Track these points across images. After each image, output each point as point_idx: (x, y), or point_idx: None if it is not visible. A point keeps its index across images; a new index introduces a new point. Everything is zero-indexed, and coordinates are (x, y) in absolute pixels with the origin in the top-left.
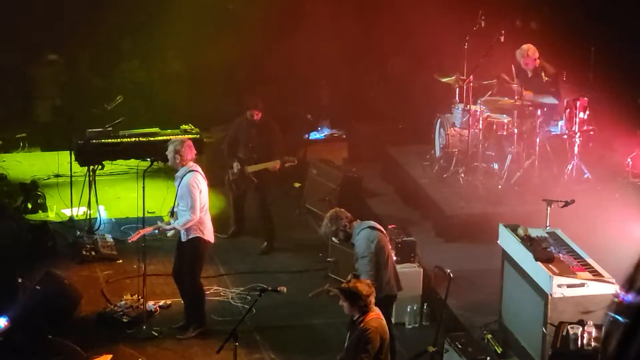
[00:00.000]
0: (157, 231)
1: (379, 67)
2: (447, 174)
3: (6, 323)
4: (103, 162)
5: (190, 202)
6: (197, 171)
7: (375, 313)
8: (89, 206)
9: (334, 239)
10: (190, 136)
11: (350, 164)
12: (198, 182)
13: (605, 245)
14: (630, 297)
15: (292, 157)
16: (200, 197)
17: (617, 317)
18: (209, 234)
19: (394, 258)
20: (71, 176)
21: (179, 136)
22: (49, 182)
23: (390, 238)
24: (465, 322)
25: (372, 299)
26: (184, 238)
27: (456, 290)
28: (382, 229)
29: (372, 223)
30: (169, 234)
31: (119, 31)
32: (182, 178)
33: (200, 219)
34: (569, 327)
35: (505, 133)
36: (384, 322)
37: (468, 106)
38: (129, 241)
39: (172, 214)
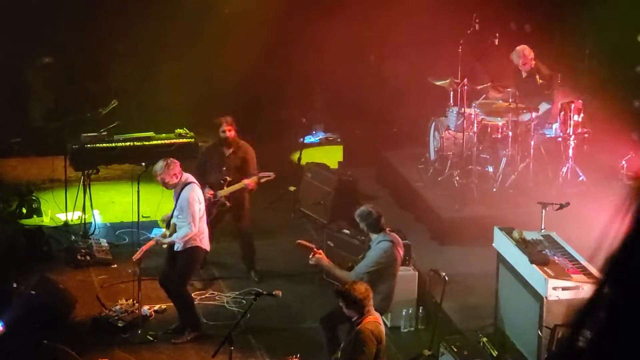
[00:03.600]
0: (156, 244)
1: (374, 70)
2: (442, 177)
3: (1, 328)
4: (98, 167)
5: (190, 215)
6: (193, 182)
7: (374, 317)
8: (83, 211)
9: (329, 242)
10: (185, 140)
11: (345, 168)
12: (197, 194)
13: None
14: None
15: (268, 172)
16: (199, 209)
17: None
18: (206, 242)
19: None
20: (66, 181)
21: (158, 163)
22: (43, 186)
23: None
24: (460, 326)
25: (369, 302)
26: (180, 247)
27: (451, 294)
28: (400, 249)
29: (392, 237)
30: (165, 245)
31: (114, 35)
32: (181, 191)
33: (199, 229)
34: (564, 330)
35: (499, 136)
36: (382, 326)
37: (462, 109)
38: (134, 259)
39: (169, 225)
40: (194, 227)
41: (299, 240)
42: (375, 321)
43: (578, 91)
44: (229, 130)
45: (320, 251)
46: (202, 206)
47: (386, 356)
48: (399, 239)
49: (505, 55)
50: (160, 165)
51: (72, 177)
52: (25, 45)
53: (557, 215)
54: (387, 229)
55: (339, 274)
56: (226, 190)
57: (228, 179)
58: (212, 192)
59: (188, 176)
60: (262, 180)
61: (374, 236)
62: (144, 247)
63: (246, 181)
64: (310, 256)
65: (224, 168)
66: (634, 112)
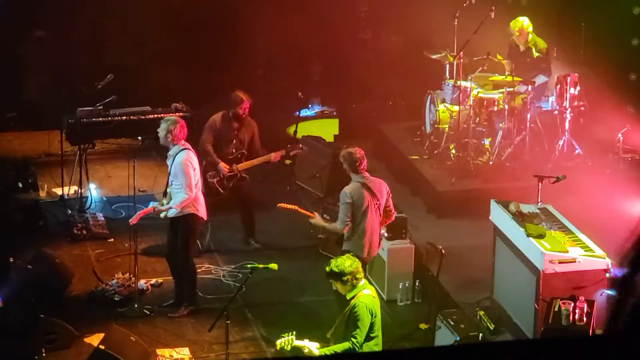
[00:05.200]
0: (153, 212)
1: (370, 43)
2: (438, 151)
3: None
4: (94, 141)
5: (185, 180)
6: (189, 149)
7: (368, 289)
8: (80, 185)
9: (325, 215)
10: (181, 114)
11: (341, 141)
12: (191, 160)
13: (597, 221)
14: (619, 271)
15: (296, 145)
16: (194, 175)
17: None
18: (202, 211)
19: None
20: (62, 155)
21: (172, 115)
22: (40, 161)
23: None
24: (457, 299)
25: (358, 275)
26: (175, 214)
27: (448, 267)
28: (375, 188)
29: (366, 179)
30: (163, 215)
31: (108, 8)
32: (175, 157)
33: (194, 196)
34: (560, 302)
35: (495, 109)
36: (376, 299)
37: (458, 82)
38: (130, 223)
39: (165, 194)
40: (190, 192)
41: (280, 204)
42: (370, 294)
43: (574, 64)
44: (247, 109)
45: (315, 213)
46: (197, 173)
47: (381, 329)
48: (377, 182)
49: (502, 28)
50: (171, 119)
51: (68, 152)
52: (17, 19)
53: (554, 188)
54: (365, 171)
55: (329, 226)
56: (246, 164)
57: (245, 152)
58: (227, 166)
59: (185, 143)
60: (292, 153)
61: (352, 176)
62: (141, 213)
63: (270, 158)
64: (310, 219)
65: (234, 141)
66: (630, 85)
